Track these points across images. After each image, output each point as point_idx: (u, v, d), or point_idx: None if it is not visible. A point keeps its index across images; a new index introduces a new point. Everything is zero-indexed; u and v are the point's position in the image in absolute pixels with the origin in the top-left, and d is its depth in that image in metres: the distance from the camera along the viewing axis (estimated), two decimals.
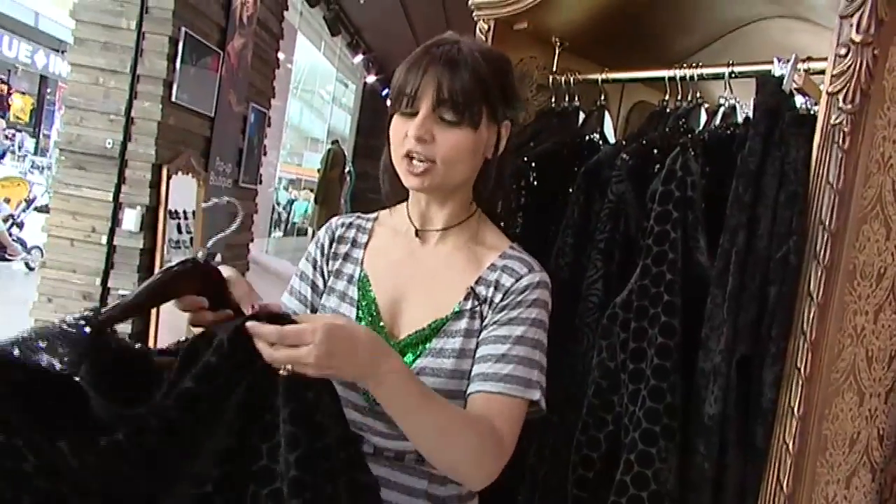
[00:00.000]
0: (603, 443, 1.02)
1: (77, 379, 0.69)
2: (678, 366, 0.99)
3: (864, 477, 1.09)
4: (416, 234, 0.99)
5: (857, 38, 0.91)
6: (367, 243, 1.02)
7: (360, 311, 0.97)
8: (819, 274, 0.94)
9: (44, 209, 7.97)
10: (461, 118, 0.89)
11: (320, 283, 1.02)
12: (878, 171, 1.01)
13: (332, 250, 1.03)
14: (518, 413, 0.89)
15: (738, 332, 0.95)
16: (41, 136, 14.29)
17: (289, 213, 11.73)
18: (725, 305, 0.96)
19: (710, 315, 0.98)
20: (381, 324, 0.95)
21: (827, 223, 0.94)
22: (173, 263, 0.79)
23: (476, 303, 0.93)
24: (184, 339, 0.79)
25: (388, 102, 0.95)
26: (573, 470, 1.03)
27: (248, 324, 0.75)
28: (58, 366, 0.66)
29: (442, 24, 7.41)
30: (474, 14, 1.40)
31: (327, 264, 1.02)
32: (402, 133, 0.91)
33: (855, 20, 0.91)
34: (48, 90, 14.39)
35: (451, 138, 0.89)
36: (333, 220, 1.06)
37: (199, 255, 0.81)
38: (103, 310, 0.72)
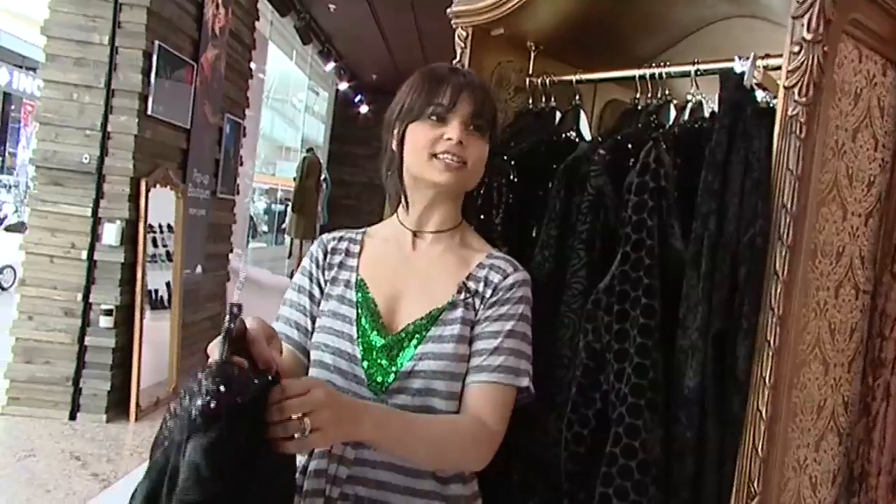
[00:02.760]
0: (592, 419, 1.09)
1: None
2: (659, 344, 1.05)
3: (831, 441, 1.17)
4: (414, 235, 1.09)
5: (808, 37, 0.99)
6: (360, 252, 1.12)
7: (360, 310, 1.05)
8: (783, 254, 1.01)
9: (14, 228, 7.82)
10: (486, 130, 1.07)
11: (317, 292, 1.10)
12: (833, 157, 1.10)
13: (327, 261, 1.11)
14: (508, 399, 1.01)
15: (713, 310, 1.02)
16: (7, 154, 14.01)
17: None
18: (700, 286, 1.03)
19: (686, 295, 1.05)
20: (381, 320, 1.04)
21: (789, 206, 1.01)
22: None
23: (468, 294, 1.04)
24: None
25: (401, 111, 1.06)
26: (566, 446, 1.10)
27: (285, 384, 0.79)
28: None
29: (412, 31, 7.48)
30: (453, 22, 1.47)
31: (323, 274, 1.11)
32: (431, 136, 1.03)
33: (805, 20, 0.99)
34: (12, 107, 14.11)
35: (480, 145, 1.06)
36: (324, 235, 1.16)
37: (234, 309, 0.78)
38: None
